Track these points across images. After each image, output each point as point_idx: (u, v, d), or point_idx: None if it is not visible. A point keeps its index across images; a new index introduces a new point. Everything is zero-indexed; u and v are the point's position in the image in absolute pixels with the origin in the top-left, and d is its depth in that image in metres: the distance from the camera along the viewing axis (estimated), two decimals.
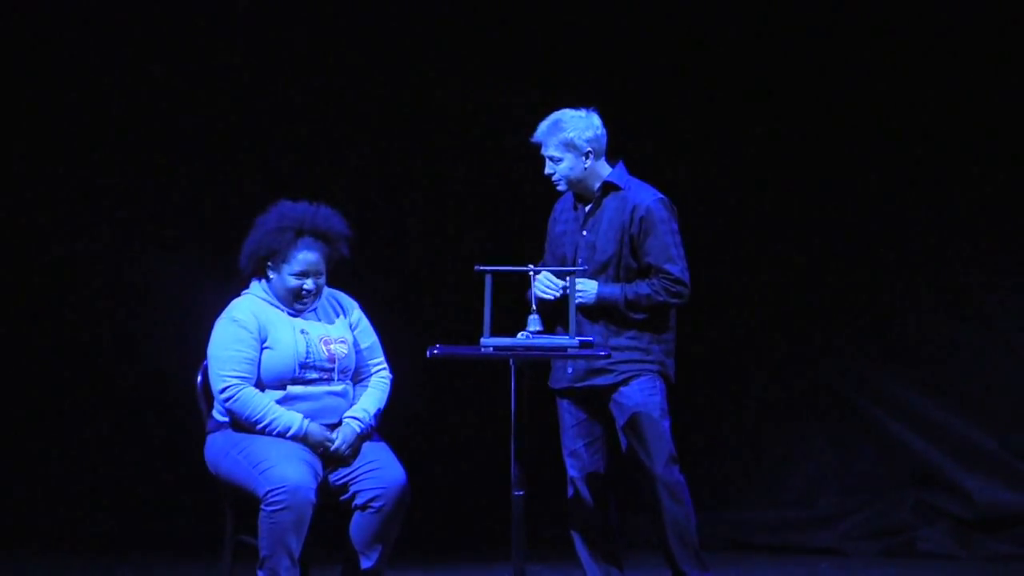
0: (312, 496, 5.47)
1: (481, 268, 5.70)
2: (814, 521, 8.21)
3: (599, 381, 6.00)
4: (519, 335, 5.56)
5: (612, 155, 6.09)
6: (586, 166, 6.01)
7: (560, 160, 6.01)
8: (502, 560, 6.01)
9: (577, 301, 5.86)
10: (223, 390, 5.64)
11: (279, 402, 5.66)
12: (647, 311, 5.96)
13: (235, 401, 5.63)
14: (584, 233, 6.05)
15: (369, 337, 5.92)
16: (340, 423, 5.73)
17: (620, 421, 6.00)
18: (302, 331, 5.73)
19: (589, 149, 6.00)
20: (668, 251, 5.95)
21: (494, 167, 8.31)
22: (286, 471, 5.46)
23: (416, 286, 8.40)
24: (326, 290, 5.87)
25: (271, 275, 5.76)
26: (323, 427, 5.68)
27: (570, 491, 6.10)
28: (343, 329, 5.83)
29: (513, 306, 5.94)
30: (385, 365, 5.95)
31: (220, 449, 5.68)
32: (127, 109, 8.29)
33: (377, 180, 8.42)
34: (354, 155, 8.41)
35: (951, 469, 8.06)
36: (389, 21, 8.32)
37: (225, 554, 5.73)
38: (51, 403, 8.34)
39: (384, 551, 5.66)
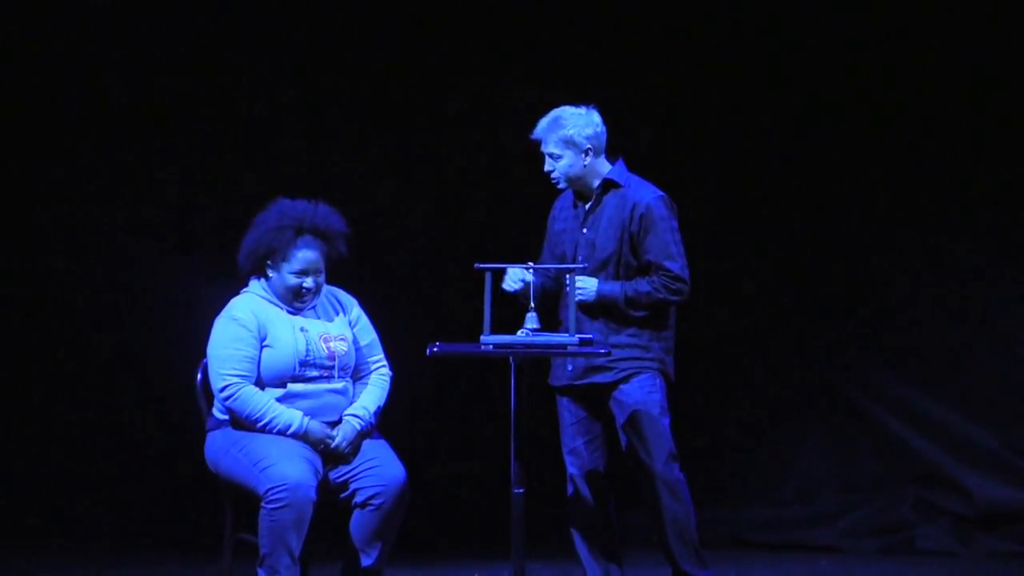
0: (312, 494, 5.47)
1: (481, 266, 5.70)
2: (814, 519, 8.21)
3: (599, 379, 6.00)
4: (519, 333, 5.56)
5: (612, 153, 6.09)
6: (585, 163, 6.01)
7: (560, 157, 6.01)
8: (502, 558, 6.01)
9: (577, 299, 5.86)
10: (223, 388, 5.64)
11: (279, 400, 5.66)
12: (647, 309, 5.96)
13: (235, 399, 5.63)
14: (584, 231, 6.05)
15: (368, 335, 5.92)
16: (340, 421, 5.73)
17: (620, 419, 6.00)
18: (301, 329, 5.72)
19: (589, 146, 6.00)
20: (668, 248, 5.96)
21: (494, 164, 8.31)
22: (287, 469, 5.45)
23: (416, 284, 8.40)
24: (325, 288, 5.87)
25: (270, 273, 5.76)
26: (323, 425, 5.68)
27: (570, 489, 6.10)
28: (343, 327, 5.83)
29: (512, 303, 5.94)
30: (385, 362, 5.95)
31: (220, 447, 5.68)
32: (128, 108, 8.29)
33: (377, 178, 8.42)
34: (353, 153, 8.41)
35: (951, 467, 8.07)
36: (390, 20, 8.32)
37: (225, 552, 5.73)
38: (51, 402, 8.34)
39: (384, 549, 5.66)
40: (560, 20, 8.25)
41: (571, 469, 6.09)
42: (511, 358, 5.53)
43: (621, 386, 5.98)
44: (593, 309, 5.97)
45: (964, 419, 8.10)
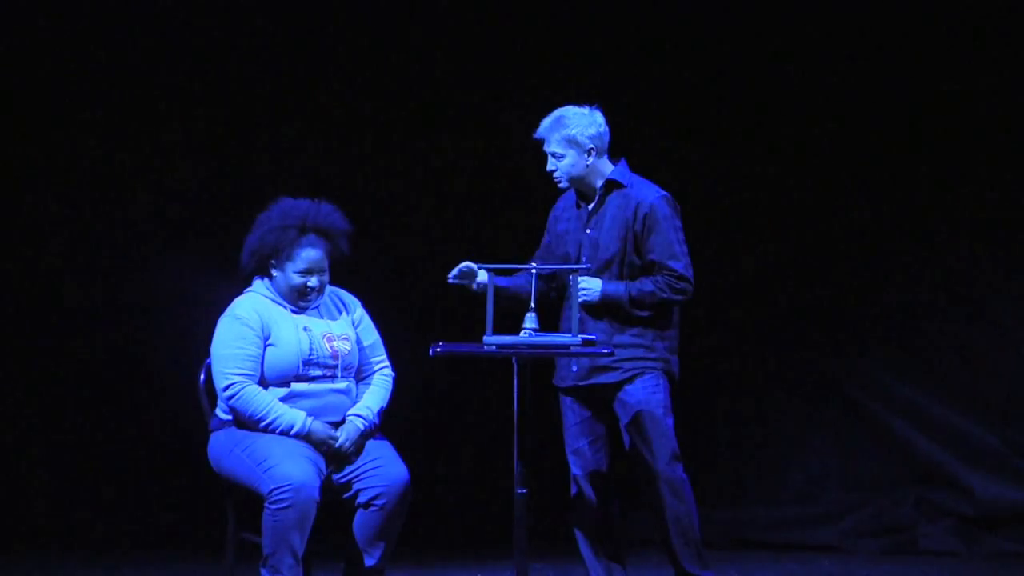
0: (316, 494, 5.47)
1: (483, 266, 5.70)
2: (816, 518, 8.21)
3: (603, 379, 6.00)
4: (521, 333, 5.56)
5: (616, 153, 6.09)
6: (588, 163, 6.01)
7: (562, 157, 6.01)
8: (504, 558, 6.02)
9: (582, 299, 5.87)
10: (226, 387, 5.64)
11: (283, 399, 5.66)
12: (651, 308, 5.97)
13: (238, 399, 5.63)
14: (588, 231, 6.05)
15: (371, 335, 5.93)
16: (343, 421, 5.73)
17: (624, 419, 6.00)
18: (305, 328, 5.73)
19: (591, 146, 6.00)
20: (672, 248, 5.96)
21: (497, 164, 8.31)
22: (290, 469, 5.46)
23: (418, 284, 8.39)
24: (328, 288, 5.87)
25: (274, 273, 5.76)
26: (326, 425, 5.68)
27: (573, 489, 6.10)
28: (346, 326, 5.84)
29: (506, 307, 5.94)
30: (387, 363, 5.95)
31: (223, 447, 5.68)
32: (130, 108, 8.29)
33: (379, 178, 8.41)
34: (356, 153, 8.41)
35: (953, 466, 8.07)
36: (392, 19, 8.31)
37: (228, 552, 5.74)
38: (53, 402, 8.33)
39: (386, 549, 5.66)
40: (564, 18, 8.24)
41: (574, 470, 6.09)
42: (514, 359, 5.54)
43: (625, 386, 5.98)
44: (597, 309, 5.97)
45: (967, 419, 8.10)
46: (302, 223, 5.73)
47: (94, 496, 8.28)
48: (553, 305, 6.11)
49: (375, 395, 5.84)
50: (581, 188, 6.09)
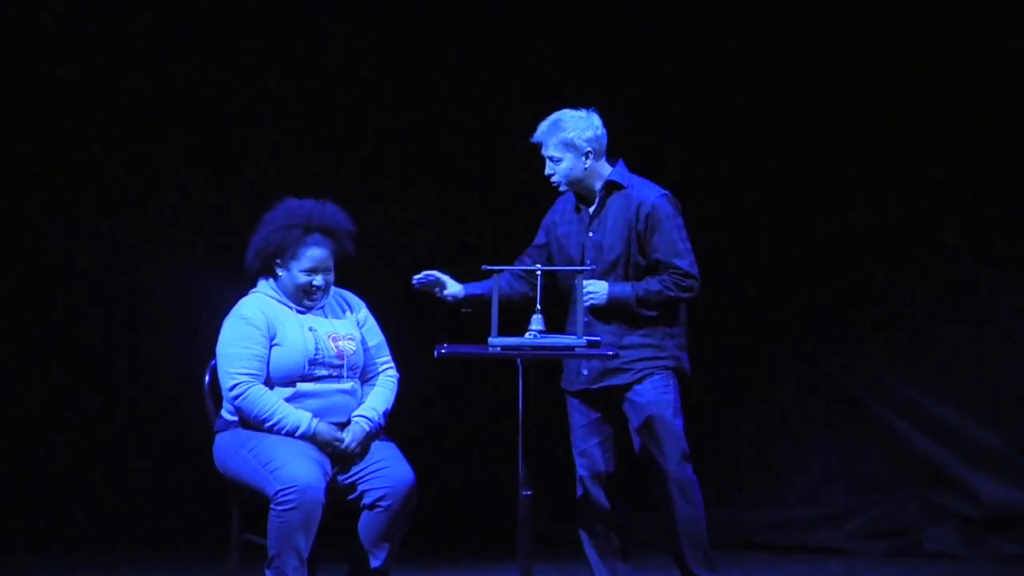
0: (322, 496, 5.47)
1: (488, 267, 5.70)
2: (821, 521, 8.20)
3: (615, 381, 6.00)
4: (526, 335, 5.56)
5: (616, 152, 6.09)
6: (586, 166, 6.00)
7: (560, 160, 6.00)
8: (509, 560, 6.01)
9: (589, 303, 5.87)
10: (232, 387, 5.64)
11: (288, 400, 5.66)
12: (659, 308, 5.97)
13: (244, 399, 5.63)
14: (590, 234, 6.05)
15: (376, 336, 5.93)
16: (349, 422, 5.73)
17: (634, 419, 6.00)
18: (310, 328, 5.73)
19: (589, 149, 5.99)
20: (676, 246, 5.96)
21: (501, 165, 8.31)
22: (296, 471, 5.46)
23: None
24: (333, 289, 5.87)
25: (279, 272, 5.77)
26: (332, 426, 5.68)
27: (579, 491, 6.10)
28: (351, 326, 5.84)
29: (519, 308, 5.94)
30: (392, 364, 5.95)
31: (229, 448, 5.68)
32: (133, 108, 8.29)
33: (383, 179, 8.42)
34: (360, 154, 8.41)
35: (958, 469, 8.06)
36: (394, 20, 8.32)
37: (233, 553, 5.73)
38: (56, 402, 8.34)
39: (391, 550, 5.66)
40: (564, 18, 8.24)
41: (581, 471, 6.09)
42: (519, 360, 5.54)
43: (635, 387, 5.98)
44: (604, 311, 5.96)
45: (972, 421, 8.09)
46: (307, 222, 5.74)
47: (98, 497, 8.28)
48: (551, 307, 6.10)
49: (380, 396, 5.84)
50: (580, 191, 6.08)
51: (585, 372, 6.05)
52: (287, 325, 5.72)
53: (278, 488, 5.44)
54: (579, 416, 6.11)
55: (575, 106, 6.04)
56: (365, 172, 8.39)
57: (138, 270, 8.31)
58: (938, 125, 8.08)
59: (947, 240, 8.17)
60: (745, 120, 8.25)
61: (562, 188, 6.08)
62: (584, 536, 6.12)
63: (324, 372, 5.72)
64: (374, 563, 5.64)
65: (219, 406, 5.80)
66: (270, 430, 5.63)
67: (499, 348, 5.49)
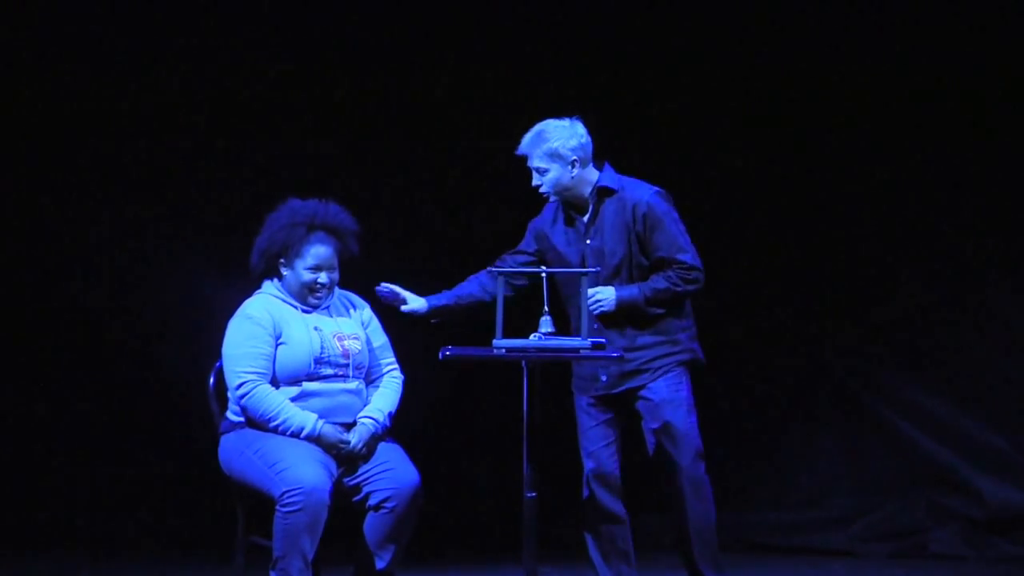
0: (327, 498, 5.47)
1: (493, 269, 5.70)
2: (825, 522, 8.20)
3: (635, 383, 6.01)
4: (531, 336, 5.56)
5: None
6: (573, 174, 6.00)
7: (546, 171, 6.00)
8: (514, 562, 6.01)
9: (598, 311, 5.88)
10: (239, 386, 5.65)
11: (294, 399, 5.67)
12: (668, 304, 5.98)
13: (250, 397, 5.64)
14: (588, 242, 6.04)
15: (380, 337, 5.94)
16: (354, 423, 5.73)
17: (648, 417, 6.00)
18: (315, 328, 5.74)
19: (575, 158, 5.98)
20: (676, 241, 5.97)
21: (505, 167, 8.30)
22: (302, 472, 5.46)
23: (427, 287, 8.39)
24: (338, 291, 5.89)
25: (284, 271, 5.78)
26: (337, 428, 5.68)
27: (584, 492, 6.10)
28: (355, 326, 5.85)
29: (520, 309, 5.94)
30: (396, 365, 5.96)
31: (234, 449, 5.69)
32: (137, 109, 8.29)
33: (387, 181, 8.41)
34: (363, 155, 8.41)
35: (963, 470, 8.05)
36: (395, 21, 8.32)
37: (237, 555, 5.74)
38: (61, 403, 8.34)
39: (397, 552, 5.66)
40: (564, 19, 8.24)
41: (587, 472, 6.09)
42: (523, 362, 5.54)
43: (649, 384, 6.00)
44: (614, 315, 5.96)
45: (976, 422, 8.08)
46: (311, 220, 5.76)
47: (103, 498, 8.28)
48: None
49: (385, 397, 5.85)
50: (570, 199, 6.06)
51: (604, 379, 6.04)
52: (292, 324, 5.72)
53: (284, 490, 5.44)
54: (587, 418, 6.11)
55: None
56: (366, 172, 8.38)
57: (143, 272, 8.31)
58: (941, 125, 8.07)
59: (952, 241, 8.16)
60: (749, 118, 8.24)
61: (551, 198, 6.08)
62: (589, 539, 6.12)
63: (330, 371, 5.73)
64: (379, 565, 5.64)
65: (224, 408, 5.81)
66: (275, 430, 5.63)
67: (504, 350, 5.49)
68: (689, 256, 5.97)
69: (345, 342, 5.77)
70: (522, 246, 6.21)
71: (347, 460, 5.66)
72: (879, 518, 8.13)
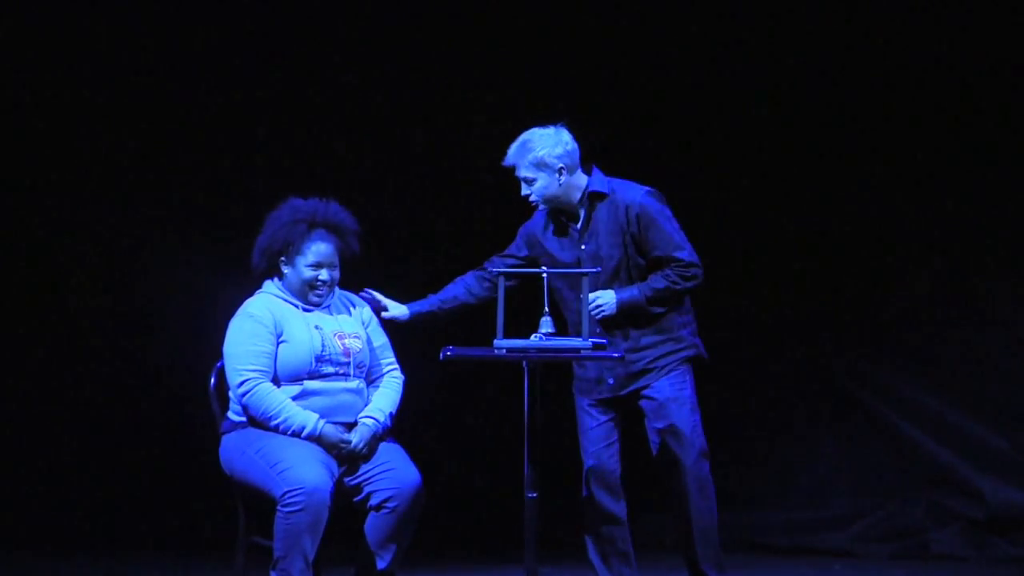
0: (329, 498, 5.47)
1: (493, 270, 5.70)
2: (826, 523, 8.20)
3: (642, 383, 6.02)
4: (532, 337, 5.56)
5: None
6: (561, 182, 5.99)
7: (534, 180, 6.00)
8: (515, 562, 6.01)
9: (600, 315, 5.88)
10: (241, 384, 5.65)
11: (295, 397, 5.67)
12: (669, 303, 5.98)
13: (251, 395, 5.64)
14: (583, 247, 6.04)
15: (380, 337, 5.95)
16: (355, 423, 5.73)
17: (651, 416, 6.01)
18: (316, 326, 5.75)
19: (561, 165, 5.98)
20: (672, 239, 5.97)
21: (505, 169, 8.30)
22: (304, 473, 5.46)
23: (428, 288, 8.39)
24: (338, 291, 5.89)
25: (285, 269, 5.79)
26: (338, 428, 5.68)
27: (584, 492, 6.10)
28: (356, 325, 5.86)
29: (520, 308, 5.94)
30: (397, 365, 5.97)
31: (235, 449, 5.69)
32: (136, 107, 8.29)
33: (387, 182, 8.41)
34: (363, 156, 8.41)
35: (964, 470, 8.05)
36: (396, 22, 8.32)
37: (238, 555, 5.74)
38: (61, 403, 8.34)
39: (398, 552, 5.67)
40: (562, 19, 8.24)
41: (588, 473, 6.09)
42: (524, 362, 5.54)
43: (653, 384, 6.00)
44: (615, 317, 5.96)
45: (977, 423, 8.08)
46: (311, 218, 5.78)
47: (104, 498, 8.28)
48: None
49: (386, 397, 5.85)
50: (560, 206, 6.06)
51: (611, 381, 6.05)
52: (294, 323, 5.73)
53: (285, 490, 5.44)
54: (589, 419, 6.11)
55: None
56: (371, 174, 8.38)
57: (144, 272, 8.30)
58: (941, 124, 8.07)
59: (952, 241, 8.16)
60: (750, 118, 8.24)
61: (541, 207, 6.08)
62: (589, 541, 6.12)
63: (331, 370, 5.73)
64: (380, 565, 5.65)
65: (225, 408, 5.81)
66: (276, 428, 5.63)
67: (504, 350, 5.49)
68: (686, 253, 5.98)
69: (346, 341, 5.78)
70: (511, 250, 6.22)
71: (348, 460, 5.66)
72: (880, 518, 8.13)
